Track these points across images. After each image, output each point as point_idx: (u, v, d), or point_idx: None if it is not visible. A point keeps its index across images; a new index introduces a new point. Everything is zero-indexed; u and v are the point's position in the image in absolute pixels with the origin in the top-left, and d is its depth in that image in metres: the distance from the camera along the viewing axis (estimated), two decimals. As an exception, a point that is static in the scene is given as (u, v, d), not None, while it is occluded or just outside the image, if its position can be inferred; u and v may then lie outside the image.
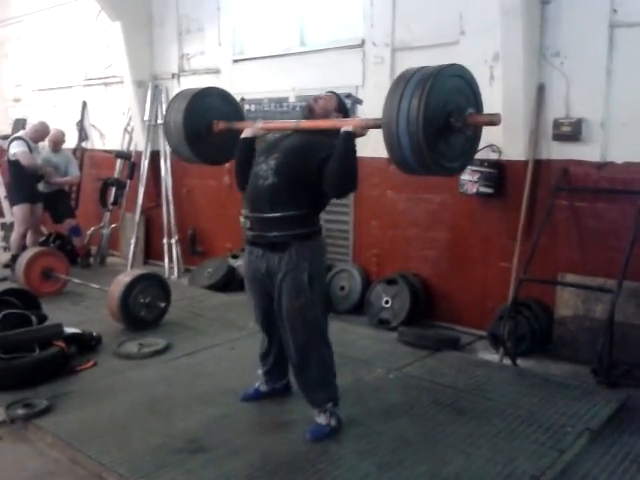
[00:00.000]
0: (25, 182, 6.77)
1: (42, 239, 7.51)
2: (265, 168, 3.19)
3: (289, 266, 3.14)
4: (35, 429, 3.42)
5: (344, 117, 3.41)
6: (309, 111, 3.38)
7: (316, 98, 3.40)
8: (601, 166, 4.37)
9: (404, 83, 2.76)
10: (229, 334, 4.83)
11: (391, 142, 2.80)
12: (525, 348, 4.52)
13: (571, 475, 2.90)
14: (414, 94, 2.68)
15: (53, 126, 7.38)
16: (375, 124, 3.03)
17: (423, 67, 2.84)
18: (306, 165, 3.12)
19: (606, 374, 3.95)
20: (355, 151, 3.11)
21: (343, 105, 3.51)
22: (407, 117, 2.69)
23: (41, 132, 7.01)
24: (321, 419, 3.27)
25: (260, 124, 3.60)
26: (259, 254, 3.25)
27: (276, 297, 3.24)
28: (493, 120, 2.88)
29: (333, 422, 3.27)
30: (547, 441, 3.17)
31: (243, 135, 3.52)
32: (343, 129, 3.07)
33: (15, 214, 6.95)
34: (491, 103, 4.69)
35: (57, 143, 7.25)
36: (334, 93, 3.52)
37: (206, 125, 3.79)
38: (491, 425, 3.32)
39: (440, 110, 2.76)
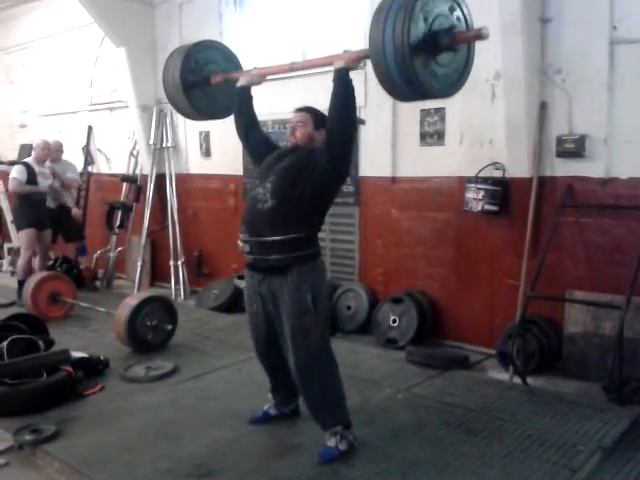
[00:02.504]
0: (31, 207, 6.79)
1: (50, 263, 7.53)
2: (262, 191, 3.16)
3: (291, 288, 3.12)
4: (43, 455, 3.40)
5: (324, 129, 3.24)
6: (294, 146, 3.33)
7: (293, 131, 3.31)
8: (605, 182, 4.37)
9: (387, 9, 2.82)
10: (236, 356, 4.80)
11: (380, 69, 2.90)
12: (535, 366, 4.49)
13: (585, 495, 2.87)
14: (397, 18, 2.76)
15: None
16: (365, 54, 3.13)
17: None
18: (301, 187, 3.11)
19: (617, 391, 3.91)
20: (353, 87, 3.14)
21: (320, 119, 3.30)
22: (393, 43, 2.78)
23: (42, 148, 6.97)
24: (331, 442, 3.23)
25: (255, 71, 3.68)
26: (260, 278, 3.24)
27: (279, 320, 3.22)
28: (480, 34, 2.90)
29: (342, 446, 3.21)
30: (559, 460, 3.13)
31: (239, 83, 3.63)
32: (336, 66, 3.11)
33: (21, 239, 6.96)
34: (493, 121, 4.76)
35: (54, 152, 7.29)
36: (306, 110, 3.36)
37: (203, 78, 3.93)
38: (502, 445, 3.28)
39: (426, 31, 2.83)
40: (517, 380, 4.34)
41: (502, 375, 4.51)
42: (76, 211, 7.34)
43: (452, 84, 3.16)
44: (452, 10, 2.99)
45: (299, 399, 3.54)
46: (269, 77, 6.33)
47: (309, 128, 3.28)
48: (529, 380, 4.31)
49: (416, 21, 2.78)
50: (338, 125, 3.10)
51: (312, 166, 3.13)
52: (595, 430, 3.44)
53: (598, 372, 4.19)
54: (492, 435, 3.39)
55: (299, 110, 3.36)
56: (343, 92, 3.09)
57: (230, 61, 4.19)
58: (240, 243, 3.27)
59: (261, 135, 3.63)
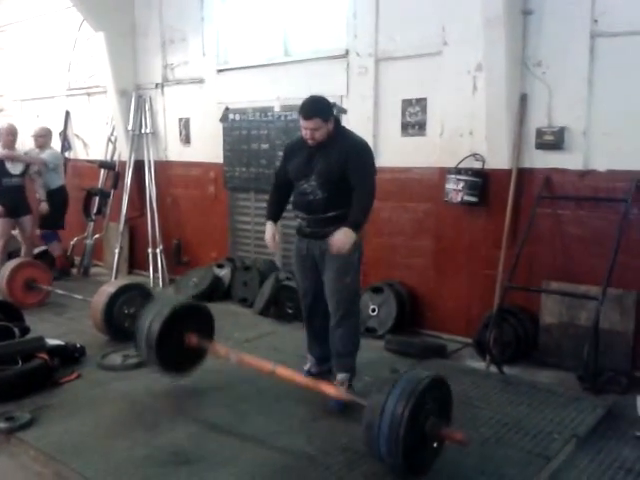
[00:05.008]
0: (1, 195, 6.71)
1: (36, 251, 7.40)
2: (310, 188, 3.74)
3: None
4: (18, 442, 3.36)
5: (335, 119, 3.72)
6: (317, 144, 3.67)
7: (312, 136, 3.63)
8: (584, 174, 4.42)
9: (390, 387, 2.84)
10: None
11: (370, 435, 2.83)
12: (511, 355, 4.54)
13: (558, 482, 2.91)
14: (399, 401, 2.73)
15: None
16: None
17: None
18: (342, 180, 3.65)
19: (592, 381, 3.97)
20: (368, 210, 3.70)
21: (326, 113, 3.64)
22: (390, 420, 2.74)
23: (6, 133, 6.85)
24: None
25: (235, 357, 3.75)
26: (313, 242, 3.83)
27: (324, 274, 3.80)
28: (464, 442, 2.83)
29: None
30: (534, 448, 3.18)
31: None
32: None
33: None
34: (474, 112, 4.78)
35: (38, 137, 7.21)
36: (313, 115, 3.59)
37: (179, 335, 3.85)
38: (478, 433, 3.32)
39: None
40: (493, 369, 4.39)
41: (479, 364, 4.56)
42: (42, 205, 7.08)
43: None
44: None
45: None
46: (249, 65, 6.36)
47: (323, 129, 3.63)
48: (505, 369, 4.36)
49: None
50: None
51: (345, 163, 3.63)
52: (570, 419, 3.50)
53: (573, 362, 4.25)
54: (468, 423, 3.42)
55: (307, 117, 3.61)
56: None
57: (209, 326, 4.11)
58: (299, 220, 3.90)
59: (285, 175, 3.95)
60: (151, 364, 3.88)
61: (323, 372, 4.07)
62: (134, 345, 3.93)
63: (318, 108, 3.63)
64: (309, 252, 3.87)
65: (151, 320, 3.75)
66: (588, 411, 3.59)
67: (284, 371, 3.47)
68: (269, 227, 3.96)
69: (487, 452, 3.15)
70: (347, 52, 5.52)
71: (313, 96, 3.73)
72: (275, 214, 4.05)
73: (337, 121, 3.79)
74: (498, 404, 3.74)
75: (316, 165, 3.70)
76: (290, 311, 5.64)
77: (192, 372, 3.95)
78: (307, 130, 3.62)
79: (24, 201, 6.93)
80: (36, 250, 7.48)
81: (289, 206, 4.07)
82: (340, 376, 3.83)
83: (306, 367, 4.12)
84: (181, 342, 3.82)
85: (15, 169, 6.80)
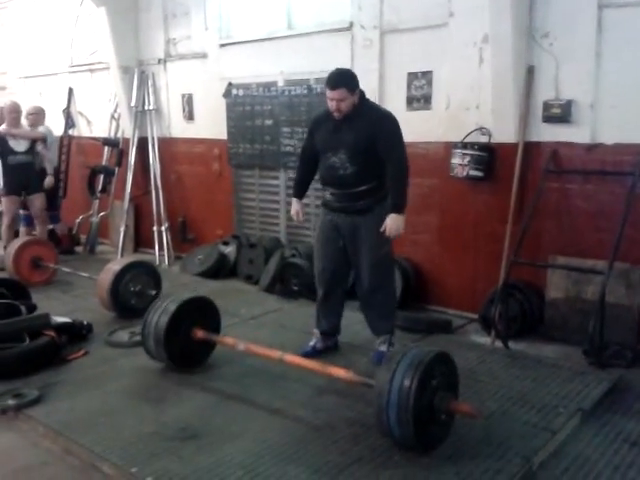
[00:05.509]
0: (6, 174, 6.69)
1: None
2: (339, 161, 3.76)
3: (374, 222, 3.77)
4: (26, 419, 3.40)
5: (361, 92, 3.75)
6: (343, 116, 3.70)
7: (338, 108, 3.66)
8: (591, 148, 4.37)
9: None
10: (222, 321, 4.79)
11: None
12: (516, 330, 4.54)
13: (563, 456, 2.91)
14: (406, 376, 2.78)
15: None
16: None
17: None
18: (372, 152, 3.69)
19: (597, 355, 3.97)
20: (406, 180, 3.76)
21: (352, 84, 3.68)
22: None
23: (8, 111, 6.78)
24: (382, 347, 3.97)
25: (242, 346, 3.75)
26: (343, 217, 3.88)
27: (355, 250, 3.90)
28: (475, 414, 2.88)
29: (391, 349, 3.89)
30: (539, 422, 3.18)
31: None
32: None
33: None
34: (480, 85, 4.71)
35: (29, 115, 7.14)
36: (339, 85, 3.63)
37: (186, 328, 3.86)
38: (484, 407, 3.32)
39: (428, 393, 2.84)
40: (499, 344, 4.39)
41: (484, 339, 4.57)
42: (49, 179, 7.01)
43: None
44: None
45: (339, 335, 4.25)
46: (251, 39, 6.28)
47: (349, 100, 3.66)
48: (510, 344, 4.36)
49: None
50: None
51: (374, 136, 3.68)
52: (575, 393, 3.50)
53: (579, 336, 4.24)
54: (473, 397, 3.42)
55: (333, 87, 3.64)
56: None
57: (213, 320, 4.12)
58: (328, 195, 3.94)
59: (313, 150, 3.99)
60: (160, 360, 3.91)
61: (328, 347, 4.16)
62: (142, 343, 3.96)
63: (344, 79, 3.68)
64: (337, 227, 3.92)
65: (158, 316, 3.80)
66: (593, 385, 3.59)
67: (292, 358, 3.51)
68: (295, 203, 4.14)
69: (492, 426, 3.16)
70: (351, 25, 5.44)
71: (339, 68, 3.83)
72: (301, 191, 4.18)
73: (362, 94, 3.78)
74: (503, 378, 3.75)
75: (344, 137, 3.73)
76: (296, 288, 5.65)
77: (202, 364, 3.98)
78: (333, 101, 3.65)
79: (33, 179, 6.84)
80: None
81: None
82: (382, 337, 4.02)
83: (311, 343, 4.16)
84: (188, 337, 3.86)
85: (19, 146, 6.74)
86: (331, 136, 3.80)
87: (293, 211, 4.14)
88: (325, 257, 4.03)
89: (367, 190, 3.77)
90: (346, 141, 3.73)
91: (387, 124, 3.74)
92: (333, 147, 3.78)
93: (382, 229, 3.71)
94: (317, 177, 4.13)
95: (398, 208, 3.70)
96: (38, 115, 7.32)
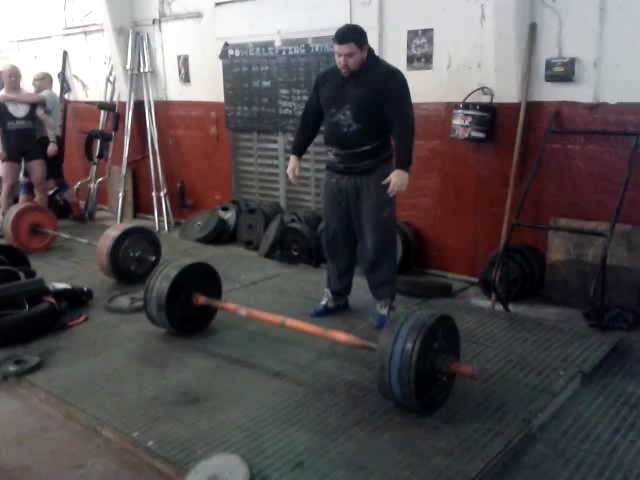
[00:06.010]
0: (4, 139, 6.59)
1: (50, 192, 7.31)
2: (344, 118, 3.71)
3: (375, 183, 3.74)
4: (28, 385, 3.41)
5: (369, 49, 3.68)
6: (350, 72, 3.64)
7: (345, 63, 3.59)
8: (594, 107, 4.29)
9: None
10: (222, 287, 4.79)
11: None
12: (517, 293, 4.53)
13: (563, 418, 2.92)
14: (408, 338, 2.79)
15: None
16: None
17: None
18: (378, 109, 3.65)
19: (598, 317, 3.97)
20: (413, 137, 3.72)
21: (361, 39, 3.61)
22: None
23: (8, 75, 6.60)
24: (383, 311, 4.00)
25: (244, 311, 3.72)
26: (348, 178, 3.83)
27: (357, 210, 3.87)
28: (475, 375, 2.89)
29: (392, 312, 3.88)
30: (539, 384, 3.19)
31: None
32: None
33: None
34: (482, 43, 4.60)
35: (34, 80, 7.07)
36: (347, 39, 3.56)
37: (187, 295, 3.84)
38: (483, 370, 3.32)
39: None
40: (499, 307, 4.38)
41: (484, 302, 4.56)
42: (52, 146, 6.82)
43: None
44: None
45: (349, 295, 4.28)
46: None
47: (357, 56, 3.59)
48: (511, 307, 4.35)
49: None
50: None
51: (381, 92, 3.62)
52: (575, 355, 3.50)
53: (580, 299, 4.24)
54: (473, 360, 3.43)
55: (341, 41, 3.57)
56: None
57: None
58: (331, 155, 3.88)
59: (317, 106, 3.91)
60: (161, 325, 3.90)
61: (339, 307, 4.25)
62: (143, 308, 3.95)
63: (353, 33, 3.61)
64: (342, 188, 3.88)
65: (160, 282, 3.78)
66: (594, 348, 3.59)
67: (293, 322, 3.50)
68: (292, 160, 4.03)
69: (492, 388, 3.16)
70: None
71: (348, 23, 3.84)
72: (300, 148, 4.09)
73: (371, 51, 3.72)
74: (503, 342, 3.75)
75: (351, 93, 3.67)
76: (295, 253, 5.63)
77: (203, 330, 3.98)
78: (341, 56, 3.59)
79: (33, 145, 6.69)
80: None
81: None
82: (383, 301, 4.04)
83: (323, 302, 4.22)
84: (190, 302, 3.84)
85: (18, 111, 6.57)
86: (337, 91, 3.73)
87: (289, 168, 4.02)
88: (334, 219, 4.01)
89: (371, 150, 3.73)
90: (352, 97, 3.67)
91: (395, 81, 3.69)
92: (338, 103, 3.72)
93: (386, 181, 3.64)
94: (320, 139, 4.07)
95: (404, 164, 3.66)
96: (44, 80, 7.24)
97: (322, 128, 4.00)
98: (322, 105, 3.84)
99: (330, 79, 3.80)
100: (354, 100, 3.66)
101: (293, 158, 4.05)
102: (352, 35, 3.59)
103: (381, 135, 3.74)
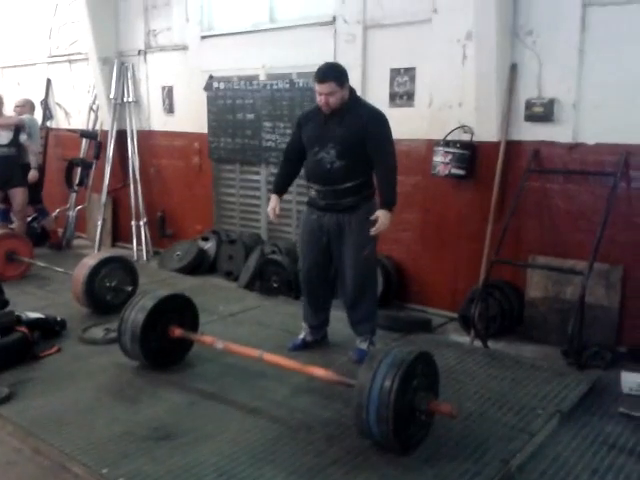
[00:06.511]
0: None
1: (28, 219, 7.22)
2: (327, 156, 3.70)
3: (359, 221, 3.74)
4: (-5, 417, 3.31)
5: (350, 88, 3.71)
6: (331, 110, 3.66)
7: (326, 102, 3.61)
8: (572, 147, 4.35)
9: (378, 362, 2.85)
10: (200, 318, 4.72)
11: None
12: (496, 330, 4.52)
13: (542, 458, 2.89)
14: (387, 375, 2.76)
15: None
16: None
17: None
18: (361, 148, 3.66)
19: (576, 356, 3.96)
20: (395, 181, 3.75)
21: (342, 78, 3.63)
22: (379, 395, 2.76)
23: None
24: (363, 345, 3.97)
25: (221, 345, 3.68)
26: (328, 216, 3.82)
27: (339, 248, 3.85)
28: (454, 415, 2.85)
29: (372, 347, 3.91)
30: (518, 424, 3.16)
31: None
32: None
33: None
34: (463, 83, 4.68)
35: (15, 107, 7.04)
36: (329, 79, 3.58)
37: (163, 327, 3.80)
38: (462, 408, 3.28)
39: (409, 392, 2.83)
40: (478, 343, 4.37)
41: (463, 338, 4.54)
42: (32, 173, 6.76)
43: None
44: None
45: (328, 328, 4.26)
46: (233, 31, 6.18)
47: (338, 95, 3.61)
48: (490, 343, 4.34)
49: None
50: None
51: (364, 132, 3.65)
52: (554, 394, 3.48)
53: (558, 337, 4.25)
54: (452, 398, 3.39)
55: (321, 80, 3.59)
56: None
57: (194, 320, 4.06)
58: (313, 192, 3.86)
59: (299, 145, 3.92)
60: (136, 358, 3.83)
61: (317, 340, 4.21)
62: (117, 340, 3.87)
63: (333, 72, 3.63)
64: (323, 225, 3.86)
65: (135, 313, 3.72)
66: (572, 386, 3.58)
67: (271, 357, 3.47)
68: (273, 199, 4.04)
69: (470, 427, 3.13)
70: (334, 19, 5.37)
71: (328, 62, 3.82)
72: (282, 187, 4.09)
73: (352, 91, 3.75)
74: (482, 379, 3.73)
75: (334, 132, 3.69)
76: (275, 285, 5.58)
77: (179, 363, 3.91)
78: (322, 95, 3.60)
79: (14, 172, 6.60)
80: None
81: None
82: (363, 336, 4.01)
83: (301, 336, 4.19)
84: (165, 334, 3.79)
85: (1, 138, 6.51)
86: (320, 130, 3.75)
87: (270, 207, 4.02)
88: (311, 255, 3.98)
89: (353, 187, 3.72)
90: (336, 136, 3.68)
91: (377, 122, 3.70)
92: (322, 142, 3.73)
93: (374, 218, 3.62)
94: (302, 174, 4.08)
95: (389, 204, 3.67)
96: (24, 107, 7.22)
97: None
98: (305, 144, 3.85)
99: (312, 118, 3.82)
100: (337, 139, 3.68)
101: (274, 197, 4.04)
102: (332, 74, 3.61)
103: (363, 173, 3.74)
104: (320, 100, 3.64)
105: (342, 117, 3.68)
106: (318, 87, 3.61)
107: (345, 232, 3.81)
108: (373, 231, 3.63)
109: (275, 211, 3.99)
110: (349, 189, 3.73)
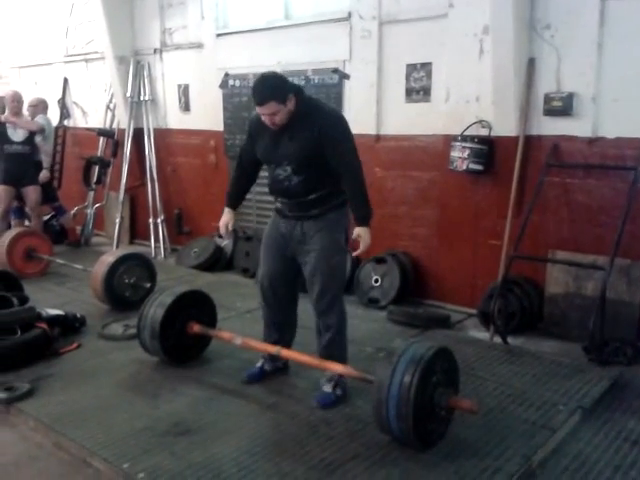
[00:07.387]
0: (1, 163, 6.59)
1: (45, 218, 7.34)
2: (283, 173, 3.35)
3: (327, 230, 3.37)
4: (17, 413, 3.34)
5: (297, 94, 3.23)
6: (278, 128, 3.26)
7: (272, 122, 3.22)
8: (592, 141, 4.31)
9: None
10: (217, 315, 4.74)
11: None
12: (515, 326, 4.49)
13: (563, 454, 2.87)
14: (407, 371, 2.75)
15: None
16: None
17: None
18: (319, 159, 3.27)
19: (598, 352, 3.92)
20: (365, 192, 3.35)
21: (282, 94, 3.17)
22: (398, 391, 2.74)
23: (10, 100, 6.66)
24: (327, 387, 3.40)
25: (239, 340, 3.61)
26: (295, 222, 3.44)
27: (304, 258, 3.42)
28: (475, 410, 2.86)
29: (338, 391, 3.39)
30: (539, 420, 3.13)
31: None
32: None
33: None
34: (481, 77, 4.64)
35: (28, 107, 7.08)
36: (267, 99, 3.15)
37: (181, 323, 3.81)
38: (482, 404, 3.26)
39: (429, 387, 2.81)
40: (498, 340, 4.34)
41: (483, 334, 4.52)
42: (44, 173, 6.93)
43: None
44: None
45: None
46: (249, 29, 6.18)
47: (282, 112, 3.20)
48: (509, 340, 4.31)
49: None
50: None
51: (319, 142, 3.23)
52: (575, 390, 3.45)
53: (579, 333, 4.20)
54: (471, 394, 3.37)
55: (260, 104, 3.17)
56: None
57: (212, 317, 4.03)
58: (278, 203, 3.52)
59: (254, 157, 3.55)
60: (155, 354, 3.85)
61: (277, 368, 3.74)
62: (136, 336, 3.90)
63: (270, 91, 3.16)
64: (288, 232, 3.46)
65: (154, 309, 3.74)
66: (594, 382, 3.55)
67: (288, 352, 3.47)
68: (225, 213, 3.65)
69: (491, 423, 3.11)
70: (350, 15, 5.35)
71: (264, 75, 3.25)
72: (235, 200, 3.71)
73: (299, 95, 3.26)
74: (502, 375, 3.70)
75: (286, 149, 3.29)
76: (292, 281, 5.57)
77: (197, 358, 3.92)
78: (265, 116, 3.22)
79: (28, 170, 6.71)
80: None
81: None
82: (329, 375, 3.42)
83: (258, 364, 3.71)
84: (184, 330, 3.80)
85: (17, 136, 6.61)
86: (271, 147, 3.36)
87: (222, 222, 3.62)
88: (273, 263, 3.54)
89: (318, 198, 3.35)
90: (288, 153, 3.29)
91: (333, 128, 3.26)
92: (276, 160, 3.37)
93: (354, 237, 3.32)
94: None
95: (364, 220, 3.31)
96: (37, 107, 7.29)
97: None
98: (259, 158, 3.51)
99: (262, 132, 3.38)
100: (291, 157, 3.29)
101: (227, 211, 3.65)
102: (270, 94, 3.15)
103: (327, 183, 3.34)
104: (265, 120, 3.24)
105: (292, 131, 3.26)
106: (258, 109, 3.21)
107: (312, 239, 3.38)
108: (358, 253, 3.33)
109: (228, 227, 3.64)
110: (314, 200, 3.35)
